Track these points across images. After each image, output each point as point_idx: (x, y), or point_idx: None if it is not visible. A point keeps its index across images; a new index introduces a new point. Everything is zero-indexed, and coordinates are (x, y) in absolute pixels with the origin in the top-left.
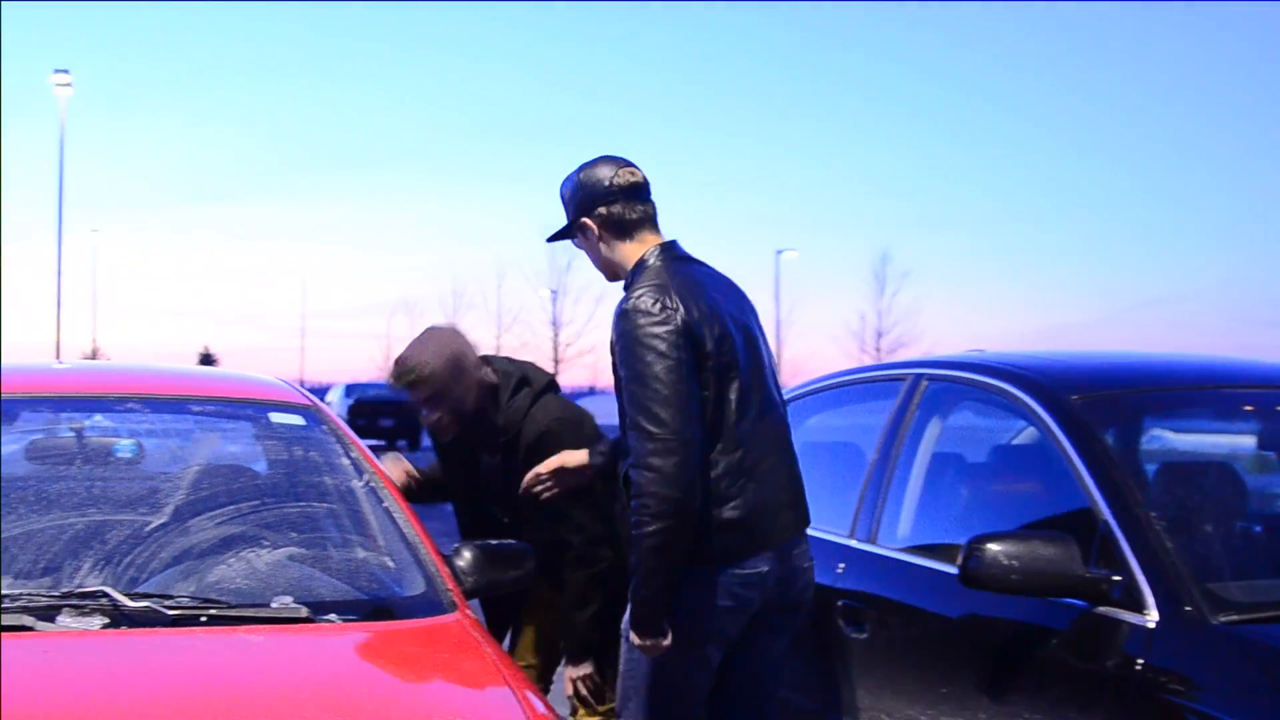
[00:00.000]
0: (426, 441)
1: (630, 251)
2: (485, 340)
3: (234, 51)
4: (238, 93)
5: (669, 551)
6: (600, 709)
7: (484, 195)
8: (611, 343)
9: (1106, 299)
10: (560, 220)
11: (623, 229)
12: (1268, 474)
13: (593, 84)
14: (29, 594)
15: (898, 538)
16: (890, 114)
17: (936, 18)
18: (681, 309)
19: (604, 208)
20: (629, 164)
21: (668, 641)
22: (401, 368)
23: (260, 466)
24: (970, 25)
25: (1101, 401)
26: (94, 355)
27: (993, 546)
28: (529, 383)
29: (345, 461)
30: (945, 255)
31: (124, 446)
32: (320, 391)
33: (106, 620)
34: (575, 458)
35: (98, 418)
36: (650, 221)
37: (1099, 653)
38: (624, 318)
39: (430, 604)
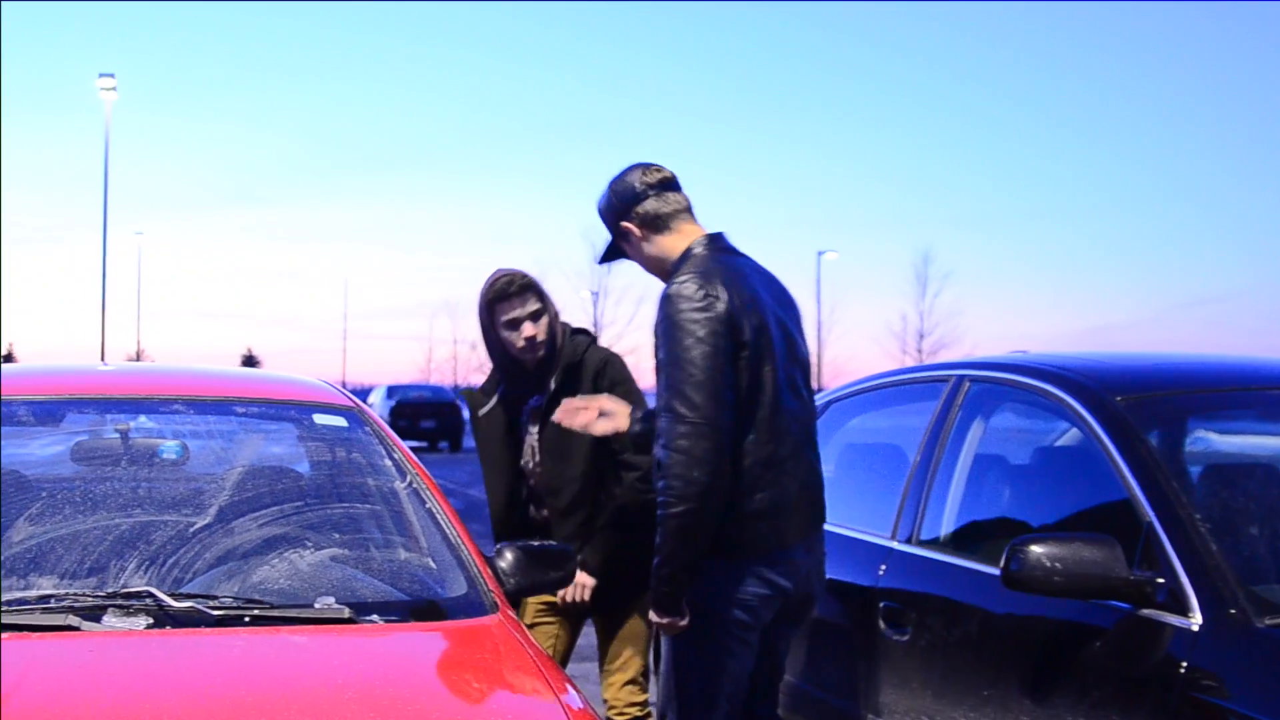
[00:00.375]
0: (468, 443)
1: (672, 243)
2: None
3: (275, 54)
4: (279, 95)
5: (692, 534)
6: (638, 700)
7: (525, 195)
8: (654, 327)
9: (1150, 299)
10: (604, 242)
11: (660, 222)
12: None
13: (635, 84)
14: (75, 594)
15: (940, 539)
16: (932, 114)
17: (981, 19)
18: (724, 297)
19: (639, 207)
20: (654, 165)
21: (685, 622)
22: (513, 274)
23: (303, 468)
24: (1013, 26)
25: (1145, 403)
26: (138, 357)
27: (1035, 548)
28: (585, 331)
29: (388, 463)
30: (987, 255)
31: (169, 448)
32: (362, 393)
33: (151, 620)
34: (618, 406)
35: (142, 419)
36: (686, 212)
37: (1142, 655)
38: (667, 302)
39: (472, 605)
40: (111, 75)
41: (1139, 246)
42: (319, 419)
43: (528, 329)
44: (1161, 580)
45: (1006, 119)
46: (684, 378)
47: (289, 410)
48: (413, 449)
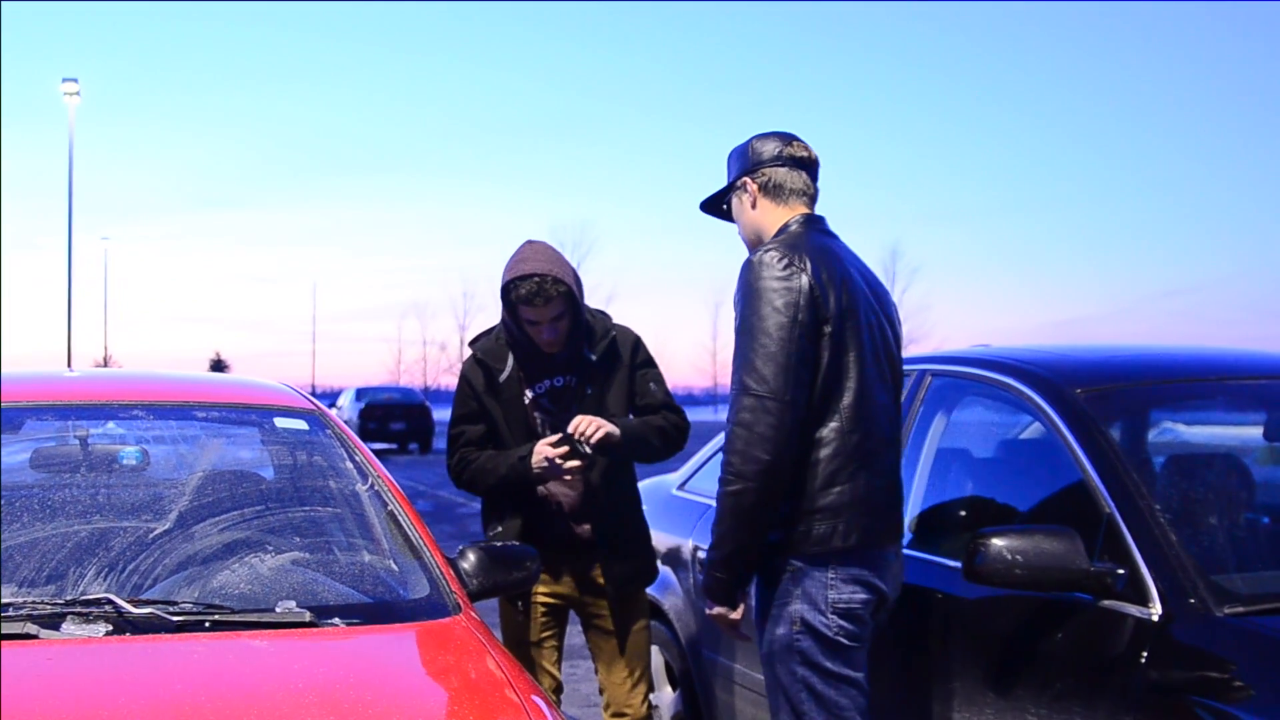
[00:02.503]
0: (439, 444)
1: (778, 216)
2: None
3: (240, 57)
4: (245, 98)
5: (748, 516)
6: (641, 699)
7: (493, 196)
8: (734, 295)
9: (1120, 291)
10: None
11: (779, 194)
12: (1276, 466)
13: (599, 84)
14: (33, 602)
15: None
16: (898, 108)
17: (946, 13)
18: (809, 270)
19: (767, 169)
20: (802, 141)
21: (737, 615)
22: (542, 279)
23: (266, 472)
24: (980, 20)
25: (1105, 395)
26: (106, 363)
27: (997, 541)
28: (600, 312)
29: (349, 465)
30: (956, 250)
31: (129, 453)
32: (332, 395)
33: (110, 627)
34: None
35: (106, 425)
36: (807, 196)
37: (1103, 646)
38: (748, 269)
39: (435, 607)
40: (75, 80)
41: (1109, 239)
42: (280, 422)
43: (546, 335)
44: (1122, 571)
45: (973, 113)
46: (756, 348)
47: (250, 414)
48: (382, 451)
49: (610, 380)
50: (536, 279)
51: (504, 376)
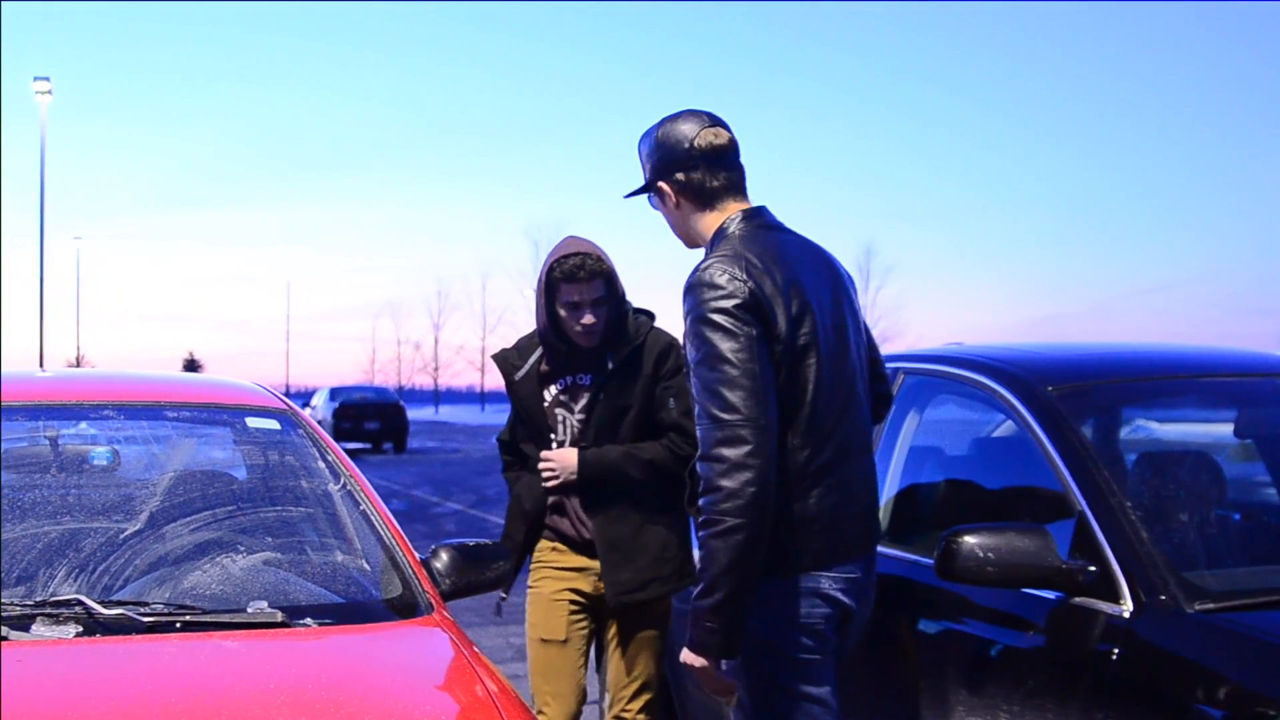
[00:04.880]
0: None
1: (710, 221)
2: (470, 341)
3: (214, 56)
4: (219, 98)
5: (740, 552)
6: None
7: (466, 196)
8: (684, 323)
9: (1095, 289)
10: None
11: (702, 197)
12: (1247, 463)
13: (573, 83)
14: (2, 603)
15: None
16: (873, 106)
17: (921, 13)
18: (751, 282)
19: (682, 173)
20: (714, 123)
21: (723, 674)
22: (586, 255)
23: (238, 472)
24: (953, 19)
25: (1077, 392)
26: (78, 363)
27: (968, 539)
28: (646, 311)
29: (321, 465)
30: (931, 248)
31: (99, 454)
32: (306, 395)
33: (80, 628)
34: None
35: (75, 425)
36: (734, 189)
37: (1075, 643)
38: (689, 293)
39: (407, 606)
40: (47, 79)
41: (1082, 238)
42: (251, 422)
43: (587, 318)
44: (1093, 568)
45: (948, 111)
46: (717, 377)
47: (221, 414)
48: (357, 450)
49: (629, 389)
50: (580, 255)
51: (519, 375)
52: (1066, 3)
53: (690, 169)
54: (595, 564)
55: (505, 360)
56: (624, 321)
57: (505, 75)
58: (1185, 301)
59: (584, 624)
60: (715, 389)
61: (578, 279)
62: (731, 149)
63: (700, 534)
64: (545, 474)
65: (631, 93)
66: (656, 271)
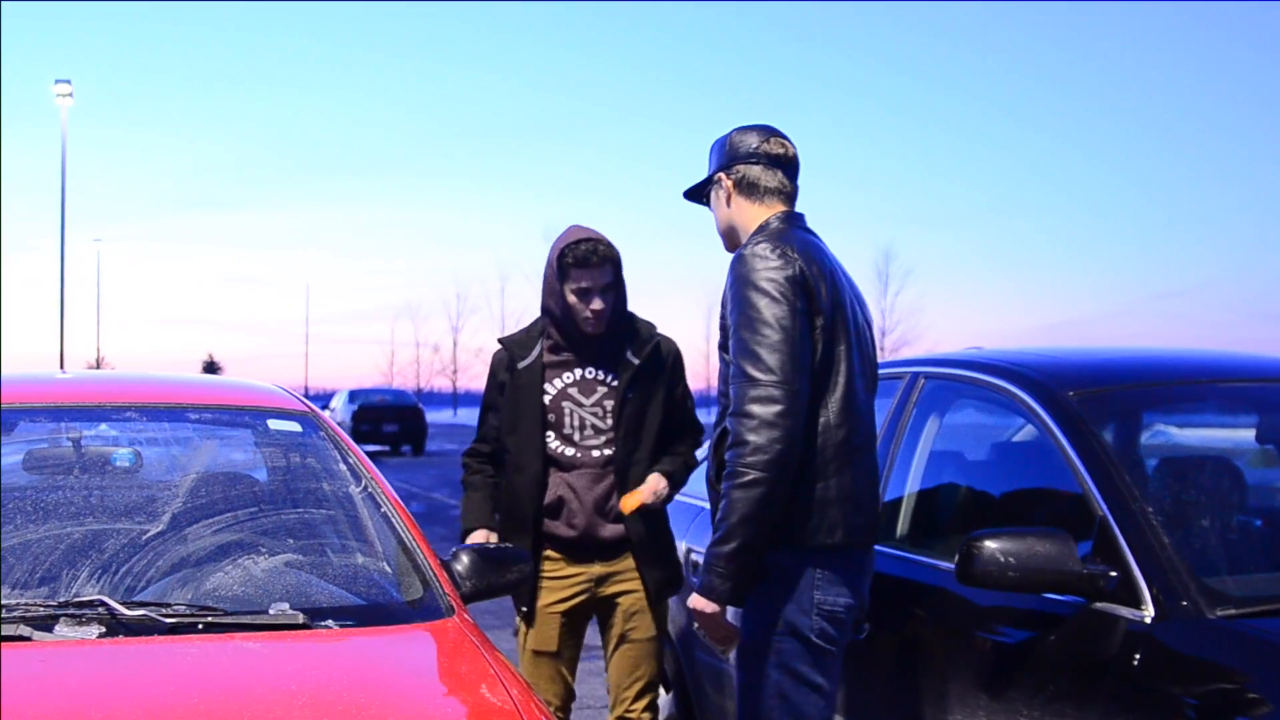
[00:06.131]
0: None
1: (755, 214)
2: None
3: (234, 60)
4: (238, 101)
5: (759, 508)
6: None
7: (485, 198)
8: (725, 291)
9: (1114, 294)
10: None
11: (754, 191)
12: (1268, 468)
13: (589, 86)
14: (26, 604)
15: (896, 535)
16: (892, 110)
17: (941, 16)
18: (800, 260)
19: (742, 166)
20: (782, 136)
21: (730, 618)
22: (597, 242)
23: (259, 474)
24: (974, 22)
25: (1098, 397)
26: (98, 364)
27: (990, 544)
28: (646, 320)
29: (342, 467)
30: (949, 252)
31: (122, 455)
32: (325, 397)
33: (103, 629)
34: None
35: (97, 427)
36: (784, 194)
37: (1096, 648)
38: (740, 262)
39: (428, 609)
40: (68, 81)
41: (1101, 242)
42: (273, 424)
43: (596, 303)
44: (1114, 573)
45: (966, 115)
46: (758, 339)
47: (243, 416)
48: (375, 453)
49: (653, 389)
50: (591, 240)
51: (524, 364)
52: (1085, 3)
53: (750, 164)
54: (593, 569)
55: (515, 345)
56: (629, 316)
57: (523, 78)
58: (1202, 307)
59: (577, 632)
60: (755, 350)
61: (590, 263)
62: (792, 162)
63: (723, 485)
64: (639, 502)
65: (649, 96)
66: (655, 274)
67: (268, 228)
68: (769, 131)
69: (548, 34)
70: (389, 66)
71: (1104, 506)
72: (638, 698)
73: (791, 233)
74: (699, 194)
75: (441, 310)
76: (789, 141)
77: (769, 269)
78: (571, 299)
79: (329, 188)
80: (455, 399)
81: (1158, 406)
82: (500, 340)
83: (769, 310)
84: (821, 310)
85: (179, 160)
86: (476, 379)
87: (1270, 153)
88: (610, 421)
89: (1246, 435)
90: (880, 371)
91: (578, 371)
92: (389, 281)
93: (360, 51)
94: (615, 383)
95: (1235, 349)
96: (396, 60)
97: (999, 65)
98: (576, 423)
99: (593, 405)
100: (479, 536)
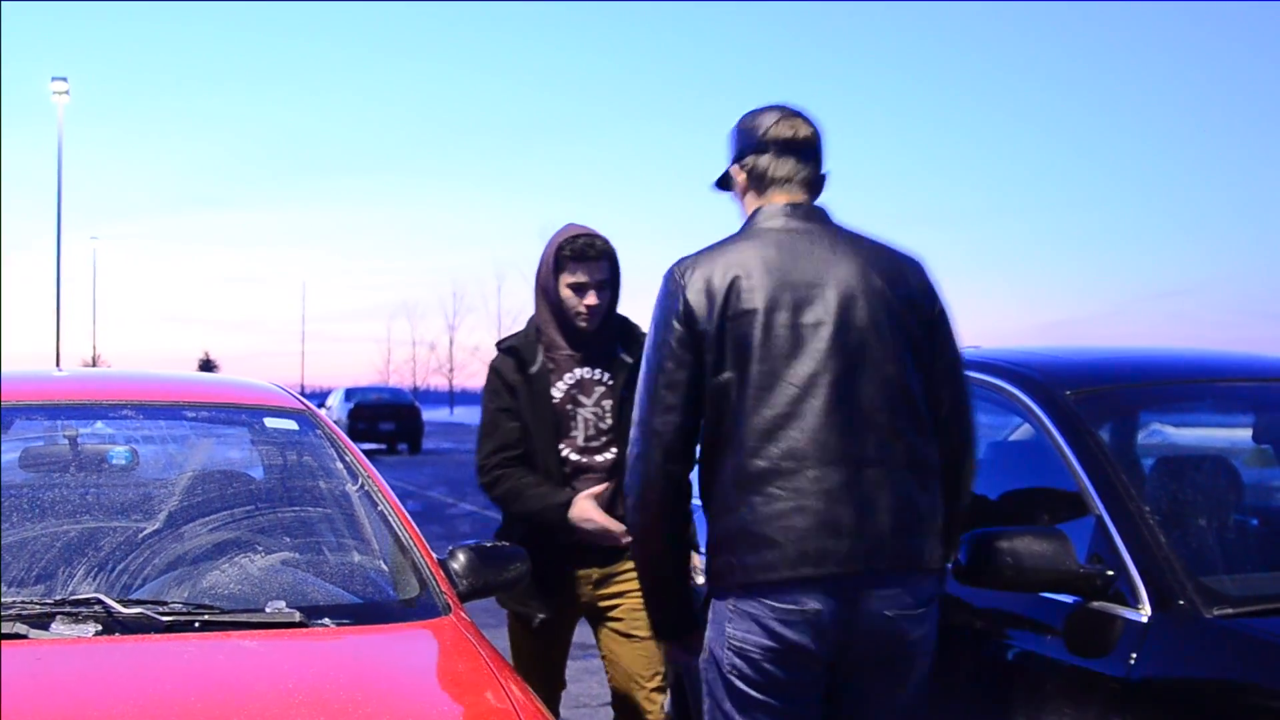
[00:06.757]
0: (428, 445)
1: (750, 207)
2: (485, 342)
3: (230, 58)
4: (234, 99)
5: (640, 547)
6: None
7: (482, 197)
8: None
9: (1112, 293)
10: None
11: (761, 183)
12: (1265, 467)
13: (587, 86)
14: (22, 602)
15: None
16: (885, 110)
17: (930, 15)
18: (694, 282)
19: (751, 157)
20: (794, 115)
21: (687, 651)
22: (594, 237)
23: (255, 472)
24: (970, 22)
25: (1095, 396)
26: (95, 362)
27: (987, 543)
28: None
29: (339, 465)
30: (945, 252)
31: (118, 453)
32: (321, 395)
33: (100, 627)
34: None
35: (96, 425)
36: (799, 182)
37: (1093, 647)
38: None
39: (425, 607)
40: (64, 79)
41: (1099, 241)
42: (270, 422)
43: (591, 298)
44: (1111, 573)
45: (962, 114)
46: (642, 377)
47: (239, 414)
48: (372, 451)
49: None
50: (588, 235)
51: (534, 369)
52: (1085, 3)
53: (760, 153)
54: (592, 573)
55: (524, 347)
56: (621, 316)
57: (520, 77)
58: (1199, 307)
59: (569, 633)
60: (639, 387)
61: (588, 257)
62: (806, 144)
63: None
64: None
65: (646, 95)
66: (655, 274)
67: (264, 226)
68: (780, 112)
69: (545, 33)
70: (385, 65)
71: (1101, 506)
72: (657, 689)
73: (745, 233)
74: (725, 185)
75: (438, 309)
76: (804, 119)
77: (661, 298)
78: (566, 293)
79: (326, 186)
80: (451, 397)
81: (1155, 406)
82: (507, 343)
83: (649, 347)
84: (702, 333)
85: (176, 158)
86: (473, 377)
87: (1267, 152)
88: (610, 422)
89: (1243, 434)
90: None
91: (576, 372)
92: (385, 280)
93: (356, 50)
94: (612, 382)
95: (1232, 349)
96: (393, 59)
97: (996, 64)
98: (581, 425)
99: (593, 406)
100: (586, 501)
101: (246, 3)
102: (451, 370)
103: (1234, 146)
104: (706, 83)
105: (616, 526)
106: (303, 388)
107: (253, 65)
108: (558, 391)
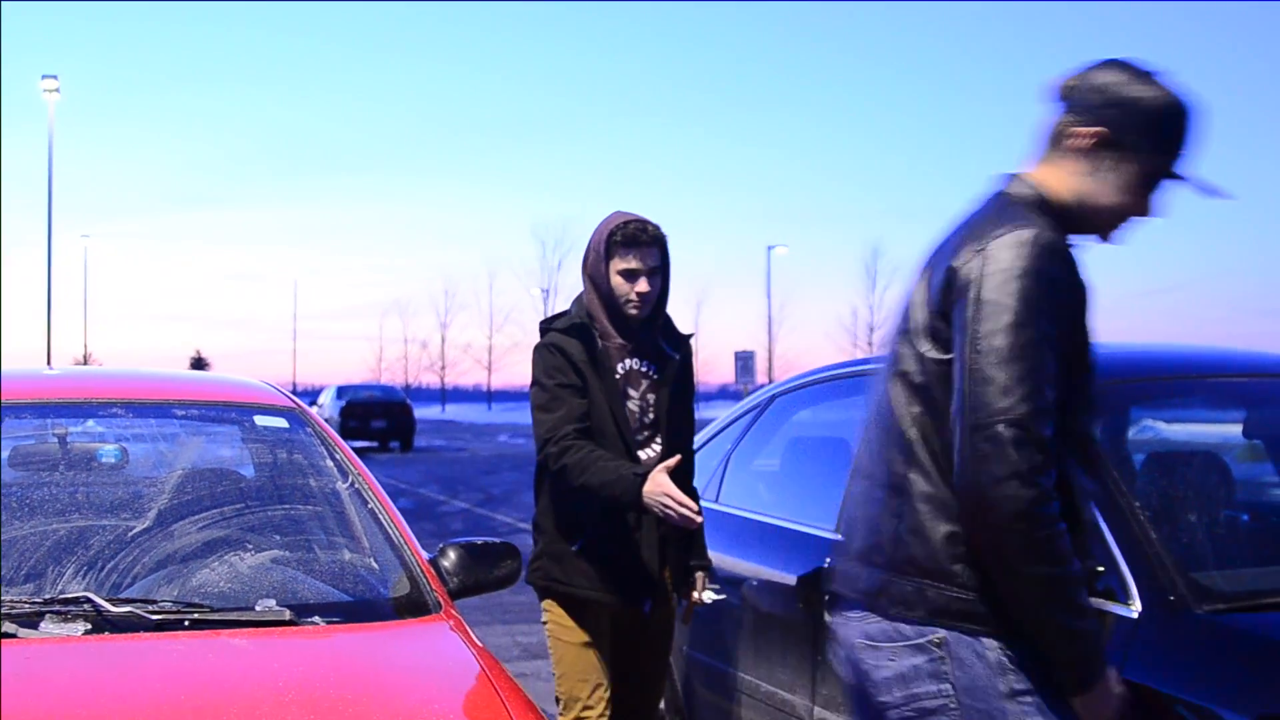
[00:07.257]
0: (420, 442)
1: None
2: (477, 340)
3: (221, 55)
4: (226, 97)
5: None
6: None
7: (473, 195)
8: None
9: (1102, 289)
10: None
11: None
12: (1256, 463)
13: (582, 84)
14: (11, 600)
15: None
16: (879, 108)
17: (925, 12)
18: None
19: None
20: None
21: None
22: (645, 222)
23: (246, 470)
24: (957, 19)
25: None
26: (85, 361)
27: None
28: None
29: (329, 464)
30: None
31: (108, 452)
32: (313, 393)
33: (89, 626)
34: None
35: (86, 423)
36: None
37: None
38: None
39: (415, 605)
40: (55, 77)
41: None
42: (260, 420)
43: (643, 285)
44: (1102, 568)
45: (954, 111)
46: None
47: (229, 412)
48: (363, 449)
49: (684, 384)
50: (640, 220)
51: (598, 351)
52: (1075, 2)
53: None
54: (649, 592)
55: (587, 329)
56: (666, 312)
57: (512, 75)
58: (1191, 302)
59: (606, 649)
60: None
61: (639, 243)
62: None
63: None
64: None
65: (638, 92)
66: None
67: (257, 224)
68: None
69: (538, 32)
70: (377, 64)
71: (1092, 501)
72: (653, 693)
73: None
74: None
75: (430, 306)
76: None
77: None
78: (617, 280)
79: (318, 184)
80: (444, 395)
81: (1145, 401)
82: (567, 322)
83: None
84: None
85: (167, 156)
86: (464, 375)
87: (1265, 151)
88: (652, 416)
89: (1234, 430)
90: (868, 366)
91: (627, 363)
92: (377, 278)
93: (350, 48)
94: (657, 375)
95: (1224, 344)
96: (386, 57)
97: (985, 61)
98: (628, 417)
99: (639, 398)
100: (662, 475)
101: (239, 1)
102: (443, 368)
103: (1230, 146)
104: (701, 81)
105: (692, 504)
106: (295, 386)
107: (243, 63)
108: (618, 371)
